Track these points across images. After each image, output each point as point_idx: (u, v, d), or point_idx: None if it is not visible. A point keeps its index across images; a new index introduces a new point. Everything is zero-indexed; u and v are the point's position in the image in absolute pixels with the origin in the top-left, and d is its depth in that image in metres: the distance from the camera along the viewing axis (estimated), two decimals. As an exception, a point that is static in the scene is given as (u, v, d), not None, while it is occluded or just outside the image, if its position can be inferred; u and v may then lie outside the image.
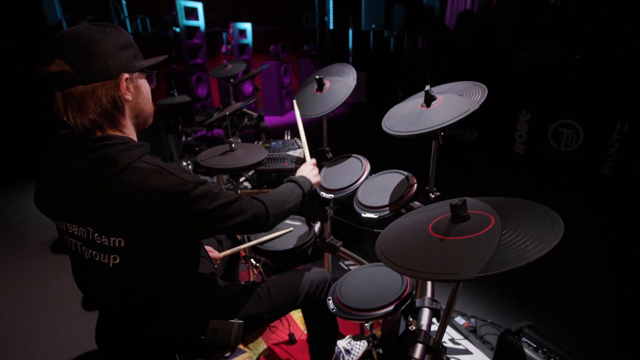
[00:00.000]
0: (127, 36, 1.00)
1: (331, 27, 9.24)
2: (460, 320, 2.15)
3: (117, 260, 0.97)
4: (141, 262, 0.98)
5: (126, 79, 0.97)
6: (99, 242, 0.96)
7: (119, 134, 1.00)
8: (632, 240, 3.05)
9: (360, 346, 1.88)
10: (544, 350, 1.53)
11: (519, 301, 2.37)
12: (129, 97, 1.00)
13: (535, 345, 1.56)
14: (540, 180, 4.44)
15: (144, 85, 1.06)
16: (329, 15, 9.12)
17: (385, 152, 3.74)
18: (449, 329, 2.12)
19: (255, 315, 1.34)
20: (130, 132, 1.05)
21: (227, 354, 1.38)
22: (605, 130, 4.18)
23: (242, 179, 2.62)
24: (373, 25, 8.11)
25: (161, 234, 0.94)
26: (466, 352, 2.00)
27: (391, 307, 1.18)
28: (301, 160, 2.35)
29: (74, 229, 1.00)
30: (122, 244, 0.95)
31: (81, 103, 0.93)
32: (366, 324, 1.94)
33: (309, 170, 1.59)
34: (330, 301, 1.27)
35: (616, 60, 4.47)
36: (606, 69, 4.52)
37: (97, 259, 0.99)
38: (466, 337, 2.07)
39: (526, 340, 1.59)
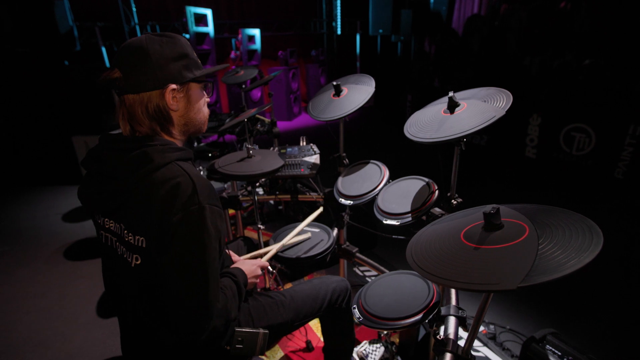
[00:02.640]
0: (181, 47, 1.02)
1: (339, 32, 9.28)
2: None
3: (139, 261, 1.00)
4: (159, 267, 0.98)
5: (173, 90, 1.00)
6: (126, 239, 1.00)
7: (164, 136, 1.04)
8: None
9: (377, 353, 1.86)
10: (570, 358, 1.51)
11: (537, 307, 2.34)
12: (175, 106, 1.03)
13: (560, 353, 1.54)
14: (553, 184, 4.40)
15: (196, 95, 1.07)
16: (336, 21, 9.16)
17: (400, 157, 3.73)
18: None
19: (280, 324, 1.33)
20: (177, 139, 1.08)
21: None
22: (618, 134, 4.14)
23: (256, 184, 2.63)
24: (380, 30, 8.12)
25: (167, 240, 0.93)
26: (486, 359, 1.97)
27: (419, 316, 1.17)
28: (317, 167, 2.35)
29: (110, 224, 1.04)
30: (144, 244, 0.97)
31: (130, 110, 0.99)
32: (384, 331, 1.92)
33: (252, 271, 1.29)
34: (356, 309, 1.26)
35: (628, 64, 4.43)
36: (618, 73, 4.49)
37: (124, 256, 1.03)
38: (485, 344, 2.04)
39: (551, 348, 1.56)
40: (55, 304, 2.57)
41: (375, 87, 1.91)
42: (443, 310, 1.26)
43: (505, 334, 2.10)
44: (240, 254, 1.72)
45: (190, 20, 5.87)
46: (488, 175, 4.71)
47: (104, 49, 5.83)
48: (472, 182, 4.28)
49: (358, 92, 1.90)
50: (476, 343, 2.05)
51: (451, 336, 1.18)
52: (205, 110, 1.13)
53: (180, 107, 1.04)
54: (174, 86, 1.00)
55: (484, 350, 2.00)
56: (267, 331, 1.21)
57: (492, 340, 2.04)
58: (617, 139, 4.18)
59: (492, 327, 2.11)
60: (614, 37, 4.67)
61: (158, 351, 1.11)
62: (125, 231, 1.00)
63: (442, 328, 1.22)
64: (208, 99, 1.16)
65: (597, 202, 3.84)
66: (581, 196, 4.03)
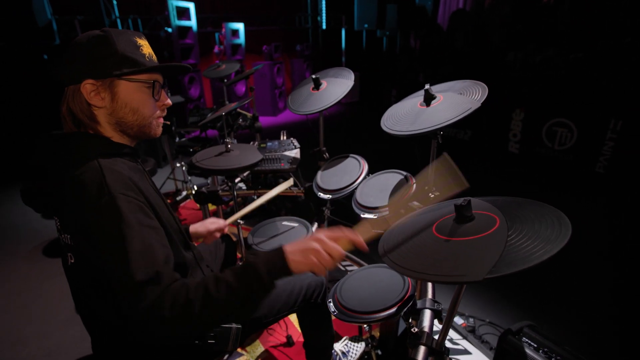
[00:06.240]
0: (109, 43, 0.96)
1: (324, 27, 9.23)
2: (458, 320, 2.14)
3: (73, 260, 0.99)
4: (91, 264, 0.94)
5: (91, 84, 0.96)
6: (62, 237, 1.00)
7: (92, 132, 1.01)
8: (627, 239, 3.06)
9: (358, 348, 1.86)
10: (545, 350, 1.52)
11: (517, 300, 2.36)
12: (96, 103, 0.98)
13: (536, 345, 1.55)
14: (535, 179, 4.46)
15: (126, 94, 1.00)
16: (321, 15, 9.10)
17: (381, 152, 3.73)
18: (447, 329, 2.11)
19: (253, 319, 1.31)
20: (113, 137, 1.03)
21: (225, 357, 1.35)
22: (599, 128, 4.20)
23: (237, 180, 2.59)
24: (366, 25, 8.11)
25: (87, 236, 0.89)
26: (465, 352, 1.99)
27: (393, 310, 1.16)
28: (297, 161, 2.32)
29: (57, 222, 1.03)
30: (71, 242, 0.96)
31: (63, 102, 1.00)
32: (365, 326, 1.92)
33: (303, 250, 0.93)
34: (331, 303, 1.25)
35: (610, 59, 4.50)
36: (600, 68, 4.55)
37: (65, 254, 1.02)
38: (465, 337, 2.06)
39: (527, 340, 1.57)
40: (33, 301, 2.52)
41: (361, 82, 1.90)
42: (419, 304, 1.25)
43: (484, 327, 2.11)
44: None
45: (173, 13, 5.77)
46: (471, 170, 4.74)
47: (84, 43, 5.69)
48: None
49: (337, 86, 1.88)
50: (455, 336, 2.06)
51: (426, 329, 1.17)
52: (148, 113, 1.04)
53: (106, 105, 0.99)
54: (91, 81, 0.95)
55: (463, 343, 2.01)
56: (239, 326, 1.18)
57: (471, 333, 2.05)
58: (598, 134, 4.24)
59: (471, 320, 2.12)
60: (596, 33, 4.73)
61: (126, 349, 1.07)
62: (61, 229, 1.00)
63: (419, 321, 1.22)
64: (162, 102, 1.08)
65: (579, 197, 3.90)
66: (563, 191, 4.08)
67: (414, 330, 1.15)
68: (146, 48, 1.03)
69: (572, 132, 4.48)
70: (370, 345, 1.82)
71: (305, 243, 0.94)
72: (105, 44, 0.96)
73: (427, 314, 1.23)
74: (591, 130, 4.31)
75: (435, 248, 0.89)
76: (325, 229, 0.98)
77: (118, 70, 0.97)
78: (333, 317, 1.33)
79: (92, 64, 0.95)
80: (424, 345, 1.12)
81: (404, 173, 1.64)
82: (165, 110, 1.11)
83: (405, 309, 1.17)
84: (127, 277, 0.80)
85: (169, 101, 1.12)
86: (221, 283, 0.86)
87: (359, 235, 0.99)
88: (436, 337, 1.15)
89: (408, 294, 1.20)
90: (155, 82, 1.04)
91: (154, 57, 1.06)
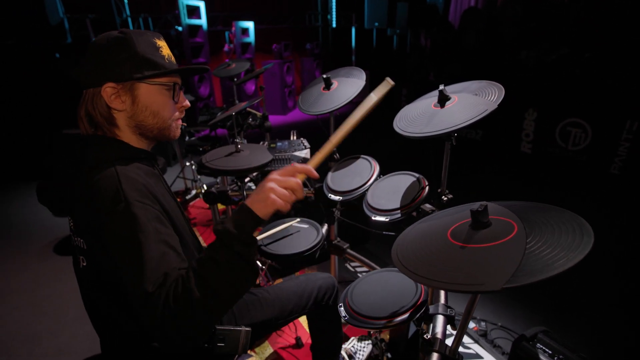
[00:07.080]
0: (130, 46, 0.95)
1: (334, 25, 9.18)
2: (470, 324, 2.11)
3: (85, 263, 0.99)
4: (103, 269, 0.94)
5: (112, 88, 0.95)
6: (75, 240, 1.00)
7: (111, 136, 1.01)
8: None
9: (365, 348, 1.84)
10: (560, 357, 1.49)
11: (529, 304, 2.32)
12: (120, 106, 0.97)
13: (550, 352, 1.52)
14: (548, 180, 4.38)
15: (147, 96, 0.99)
16: (331, 14, 9.05)
17: (393, 152, 3.70)
18: (458, 333, 2.08)
19: (264, 322, 1.30)
20: (131, 140, 1.03)
21: (234, 358, 1.35)
22: (615, 129, 4.11)
23: (246, 180, 2.59)
24: (376, 24, 8.05)
25: (102, 241, 0.88)
26: (477, 356, 1.96)
27: (405, 316, 1.14)
28: (307, 162, 2.30)
29: (71, 224, 1.03)
30: (84, 246, 0.96)
31: (81, 105, 0.98)
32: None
33: (260, 193, 0.90)
34: (342, 308, 1.23)
35: (626, 58, 4.40)
36: (616, 67, 4.46)
37: (77, 256, 1.02)
38: (477, 341, 2.03)
39: (541, 346, 1.54)
40: (44, 299, 2.54)
41: (370, 81, 1.87)
42: (431, 309, 1.23)
43: (496, 331, 2.08)
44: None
45: (183, 12, 5.78)
46: (483, 170, 4.68)
47: (95, 42, 5.74)
48: (466, 178, 4.25)
49: (348, 86, 1.85)
50: (467, 340, 2.03)
51: (439, 335, 1.15)
52: (168, 115, 1.03)
53: (126, 108, 0.98)
54: (112, 84, 0.95)
55: (475, 347, 1.98)
56: (249, 329, 1.17)
57: (483, 338, 2.02)
58: (613, 134, 4.15)
59: (483, 324, 2.09)
60: (611, 31, 4.64)
61: (132, 351, 1.07)
62: (74, 232, 1.00)
63: (431, 327, 1.20)
64: (181, 104, 1.08)
65: (592, 198, 3.82)
66: (576, 192, 4.01)
67: (427, 336, 1.13)
68: (165, 49, 1.02)
69: (587, 133, 4.40)
70: (379, 347, 1.80)
71: (260, 187, 0.91)
72: (125, 46, 0.95)
73: (440, 319, 1.20)
74: (606, 131, 4.23)
75: (451, 255, 0.87)
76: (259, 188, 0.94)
77: (139, 74, 0.96)
78: (343, 322, 1.31)
79: (113, 67, 0.94)
80: (437, 352, 1.10)
81: (417, 175, 1.61)
82: (184, 112, 1.10)
83: (417, 315, 1.15)
84: (142, 286, 0.79)
85: (187, 102, 1.10)
86: (204, 260, 0.83)
87: (308, 165, 1.00)
88: (449, 342, 1.13)
89: (421, 299, 1.18)
90: (175, 84, 1.03)
91: (173, 59, 1.04)
